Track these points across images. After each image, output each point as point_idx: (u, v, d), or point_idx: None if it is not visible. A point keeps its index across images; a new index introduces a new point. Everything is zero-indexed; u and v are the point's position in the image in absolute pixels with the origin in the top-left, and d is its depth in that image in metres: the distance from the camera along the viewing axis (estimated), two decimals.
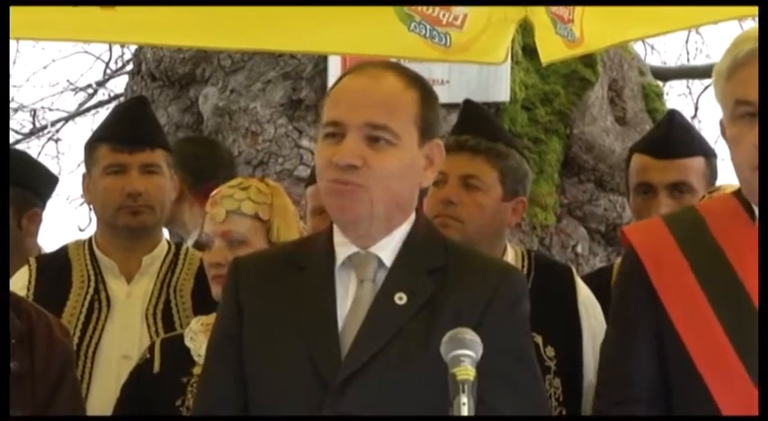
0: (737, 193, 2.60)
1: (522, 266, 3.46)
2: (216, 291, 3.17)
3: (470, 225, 3.37)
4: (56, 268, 3.64)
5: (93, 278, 3.64)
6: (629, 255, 2.64)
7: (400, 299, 2.49)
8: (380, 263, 2.54)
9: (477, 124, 3.57)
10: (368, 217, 2.51)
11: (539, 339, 3.26)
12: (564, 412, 3.30)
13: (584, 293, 3.44)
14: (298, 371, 2.47)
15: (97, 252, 3.69)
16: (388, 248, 2.55)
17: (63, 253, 3.73)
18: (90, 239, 3.74)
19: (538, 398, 2.58)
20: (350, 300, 2.53)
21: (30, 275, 3.63)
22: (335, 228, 2.59)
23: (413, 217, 2.60)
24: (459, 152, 3.38)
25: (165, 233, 4.05)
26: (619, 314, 2.67)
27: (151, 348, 3.28)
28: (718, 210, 2.61)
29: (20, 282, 3.56)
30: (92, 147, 3.73)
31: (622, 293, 2.68)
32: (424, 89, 2.59)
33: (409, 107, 2.54)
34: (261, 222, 3.19)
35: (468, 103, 3.84)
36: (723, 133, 2.56)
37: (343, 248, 2.56)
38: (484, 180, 3.41)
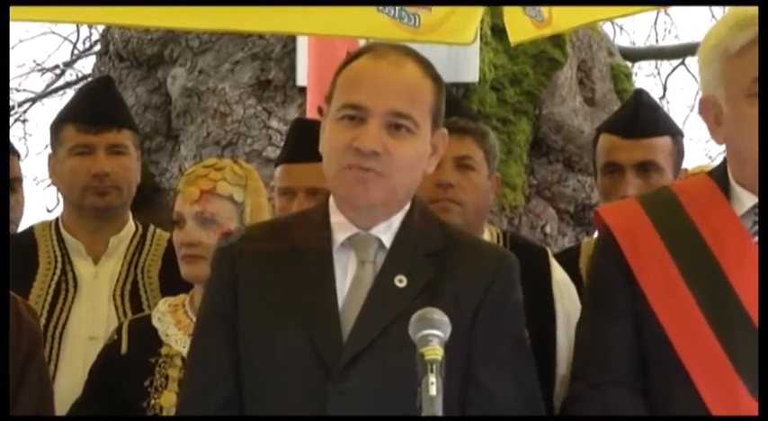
0: (712, 174, 2.59)
1: None
2: (186, 270, 3.17)
3: (469, 206, 3.38)
4: (22, 249, 3.61)
5: (59, 259, 3.62)
6: (605, 237, 2.63)
7: (400, 281, 2.49)
8: (381, 244, 2.54)
9: (451, 105, 3.57)
10: (382, 203, 2.52)
11: None
12: None
13: (559, 276, 3.43)
14: (298, 352, 2.45)
15: (64, 233, 3.67)
16: (388, 231, 2.55)
17: (29, 234, 3.71)
18: (56, 220, 3.72)
19: (533, 384, 2.60)
20: (348, 280, 2.51)
21: None
22: (332, 208, 2.58)
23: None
24: (449, 134, 3.38)
25: None
26: (595, 296, 2.67)
27: (119, 329, 3.27)
28: (694, 190, 2.60)
29: None
30: (57, 127, 3.71)
31: (598, 275, 2.67)
32: (437, 78, 2.58)
33: (427, 96, 2.54)
34: (234, 204, 3.19)
35: None
36: (703, 110, 2.54)
37: (342, 229, 2.55)
38: (476, 160, 3.42)
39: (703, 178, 2.61)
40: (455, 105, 3.68)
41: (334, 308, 2.48)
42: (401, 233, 2.56)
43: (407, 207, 2.59)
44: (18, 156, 4.38)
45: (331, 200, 2.59)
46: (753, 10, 2.51)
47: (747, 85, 2.46)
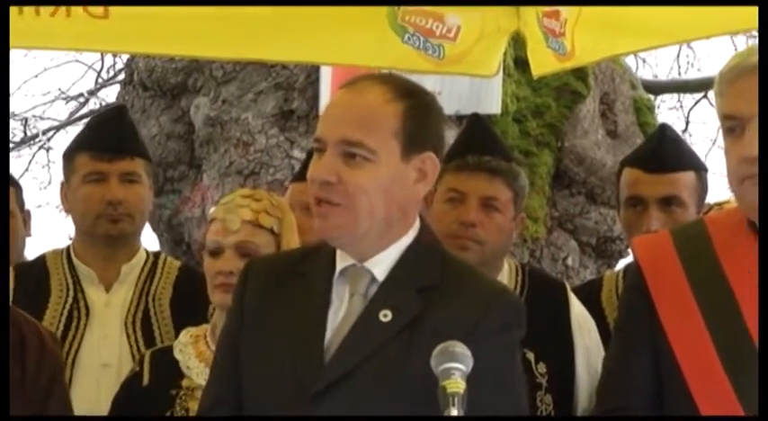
0: None
1: (516, 280, 3.47)
2: (221, 298, 3.12)
3: (488, 246, 3.38)
4: (34, 277, 3.63)
5: (71, 287, 3.63)
6: (634, 268, 2.67)
7: (385, 316, 2.46)
8: (373, 277, 2.51)
9: (488, 142, 3.57)
10: (351, 235, 2.48)
11: (531, 355, 3.27)
12: None
13: (578, 310, 3.43)
14: (280, 375, 2.47)
15: (75, 261, 3.68)
16: (383, 263, 2.51)
17: (41, 262, 3.72)
18: (68, 248, 3.74)
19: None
20: (343, 311, 2.50)
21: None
22: None
23: (414, 230, 2.55)
24: (479, 172, 3.39)
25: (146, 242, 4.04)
26: (620, 325, 2.71)
27: (141, 361, 3.28)
28: (723, 221, 2.63)
29: None
30: (71, 155, 3.73)
31: (625, 305, 2.73)
32: (413, 101, 2.50)
33: (389, 121, 2.47)
34: (274, 236, 3.19)
35: (476, 117, 3.86)
36: None
37: (342, 260, 2.53)
38: (502, 201, 3.42)
39: (736, 210, 2.64)
40: (499, 142, 3.68)
41: (321, 336, 2.47)
42: (398, 267, 2.51)
43: (411, 237, 2.54)
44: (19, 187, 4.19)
45: None
46: (744, 50, 2.59)
47: (721, 122, 2.53)
